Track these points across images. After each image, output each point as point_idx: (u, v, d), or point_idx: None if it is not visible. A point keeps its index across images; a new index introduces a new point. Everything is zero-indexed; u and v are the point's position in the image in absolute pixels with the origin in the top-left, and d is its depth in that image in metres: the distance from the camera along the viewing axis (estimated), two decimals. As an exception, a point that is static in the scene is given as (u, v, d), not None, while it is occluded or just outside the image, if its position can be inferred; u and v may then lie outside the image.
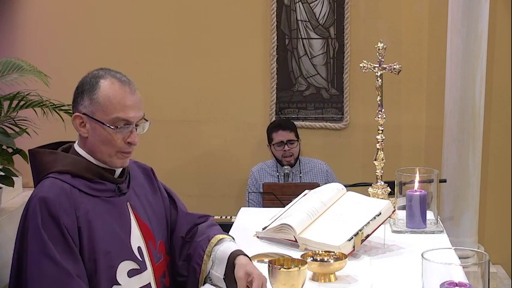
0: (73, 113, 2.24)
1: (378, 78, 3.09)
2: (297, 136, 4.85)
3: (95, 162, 2.25)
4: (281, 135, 4.81)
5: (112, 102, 2.20)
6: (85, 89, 2.22)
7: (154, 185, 2.48)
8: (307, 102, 5.22)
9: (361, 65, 3.13)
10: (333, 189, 2.82)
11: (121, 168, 2.31)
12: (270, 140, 4.88)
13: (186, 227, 2.47)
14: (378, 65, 3.09)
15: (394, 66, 3.09)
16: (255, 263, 2.44)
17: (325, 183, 3.12)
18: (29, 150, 2.30)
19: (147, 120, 2.29)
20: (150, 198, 2.43)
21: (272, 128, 4.88)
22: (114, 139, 2.21)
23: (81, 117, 2.22)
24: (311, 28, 5.16)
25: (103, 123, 2.20)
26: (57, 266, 2.07)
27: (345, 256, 2.35)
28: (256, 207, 4.66)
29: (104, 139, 2.22)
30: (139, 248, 2.28)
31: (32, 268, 2.09)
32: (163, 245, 2.40)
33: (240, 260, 2.27)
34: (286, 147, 4.79)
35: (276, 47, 5.16)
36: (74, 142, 2.33)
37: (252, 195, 4.85)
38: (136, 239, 2.28)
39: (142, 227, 2.32)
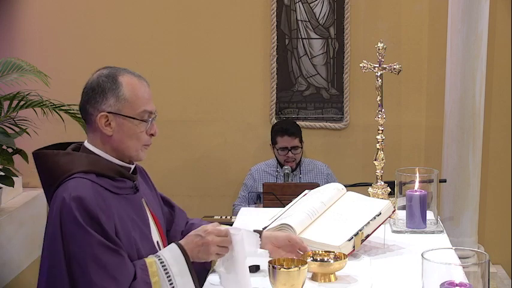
0: (90, 115, 2.26)
1: (378, 78, 3.09)
2: (301, 141, 4.84)
3: (113, 161, 2.28)
4: (286, 141, 4.79)
5: (138, 96, 2.27)
6: (106, 88, 2.25)
7: (149, 184, 2.54)
8: (307, 102, 5.22)
9: (361, 65, 3.13)
10: (333, 189, 2.82)
11: (133, 166, 2.35)
12: (273, 141, 4.87)
13: (184, 222, 2.58)
14: (377, 65, 3.09)
15: (394, 66, 3.09)
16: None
17: (325, 185, 3.12)
18: (35, 153, 2.28)
19: (155, 114, 2.37)
20: (152, 195, 2.50)
21: (277, 132, 4.85)
22: (140, 132, 2.27)
23: (107, 116, 2.25)
24: (311, 28, 5.16)
25: (133, 118, 2.25)
26: (117, 253, 2.10)
27: (345, 256, 2.35)
28: (246, 205, 4.69)
29: (131, 134, 2.27)
30: (157, 243, 2.34)
31: (92, 267, 2.07)
32: None
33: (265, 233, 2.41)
34: (289, 154, 4.79)
35: (276, 47, 5.16)
36: (75, 143, 2.34)
37: (245, 192, 4.86)
38: (155, 234, 2.35)
39: (157, 222, 2.39)
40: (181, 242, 2.25)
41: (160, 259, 2.19)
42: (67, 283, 2.10)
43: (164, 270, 2.16)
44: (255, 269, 2.39)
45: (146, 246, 2.26)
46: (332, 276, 2.32)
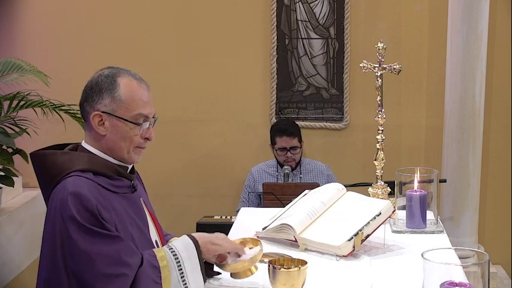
0: (86, 113, 2.26)
1: (378, 78, 3.09)
2: (300, 140, 4.84)
3: (109, 159, 2.27)
4: (284, 142, 4.80)
5: (134, 99, 2.25)
6: (103, 87, 2.24)
7: (143, 186, 2.54)
8: (307, 102, 5.22)
9: (361, 65, 3.13)
10: (332, 189, 2.82)
11: (131, 166, 2.35)
12: (273, 142, 4.87)
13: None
14: (377, 65, 3.09)
15: (394, 66, 3.09)
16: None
17: (326, 186, 3.12)
18: (32, 154, 2.28)
19: (155, 117, 2.35)
20: (147, 196, 2.50)
21: (276, 132, 4.85)
22: (134, 135, 2.26)
23: (101, 115, 2.24)
24: (311, 28, 5.16)
25: (126, 120, 2.24)
26: (117, 240, 2.09)
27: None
28: (248, 207, 4.68)
29: (124, 136, 2.26)
30: (156, 242, 2.34)
31: (95, 261, 2.06)
32: None
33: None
34: (288, 154, 4.79)
35: (276, 47, 5.16)
36: (72, 144, 2.34)
37: (246, 194, 4.86)
38: (153, 233, 2.35)
39: (155, 221, 2.40)
40: (193, 234, 2.27)
41: (170, 246, 2.20)
42: (66, 280, 2.09)
43: (174, 255, 2.16)
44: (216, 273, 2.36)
45: (145, 244, 2.26)
46: (253, 268, 2.29)
